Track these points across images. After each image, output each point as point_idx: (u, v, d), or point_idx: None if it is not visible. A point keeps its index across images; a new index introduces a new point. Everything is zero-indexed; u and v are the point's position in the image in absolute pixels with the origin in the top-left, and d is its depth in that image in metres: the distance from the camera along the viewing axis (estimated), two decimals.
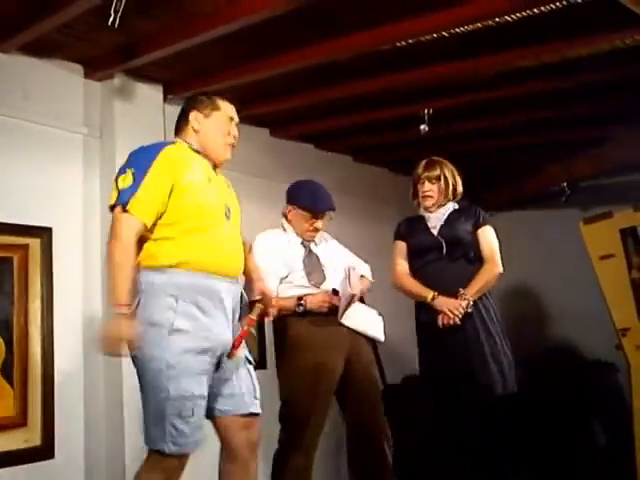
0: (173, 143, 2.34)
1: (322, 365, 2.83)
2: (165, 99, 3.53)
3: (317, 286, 2.94)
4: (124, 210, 2.12)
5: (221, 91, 3.42)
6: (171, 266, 2.14)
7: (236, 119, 2.43)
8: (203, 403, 2.13)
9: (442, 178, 3.17)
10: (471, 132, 4.33)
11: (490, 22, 2.72)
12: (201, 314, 2.14)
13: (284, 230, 3.08)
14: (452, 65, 3.22)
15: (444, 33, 2.84)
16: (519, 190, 5.29)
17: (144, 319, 2.09)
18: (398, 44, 2.94)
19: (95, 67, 3.26)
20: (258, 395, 2.36)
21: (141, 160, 2.19)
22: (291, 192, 3.11)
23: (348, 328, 2.94)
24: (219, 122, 2.36)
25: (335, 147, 4.67)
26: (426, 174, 3.19)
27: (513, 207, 5.40)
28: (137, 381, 2.17)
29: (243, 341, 2.30)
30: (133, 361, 2.17)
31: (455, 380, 2.97)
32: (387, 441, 2.97)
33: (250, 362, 2.38)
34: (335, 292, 2.94)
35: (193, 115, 2.36)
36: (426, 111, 3.76)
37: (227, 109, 2.40)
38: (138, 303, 2.11)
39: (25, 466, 2.87)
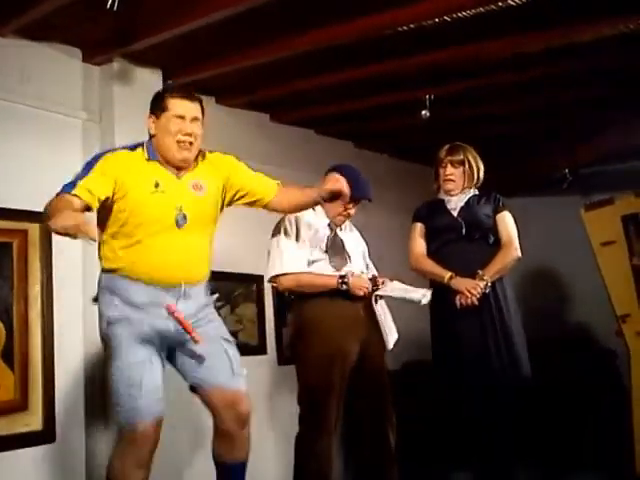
0: (125, 148, 2.40)
1: (338, 348, 2.82)
2: (164, 84, 3.50)
3: (338, 269, 2.92)
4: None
5: (221, 76, 3.44)
6: (111, 270, 2.34)
7: (189, 116, 2.34)
8: (152, 367, 2.24)
9: (466, 163, 3.19)
10: (472, 118, 4.30)
11: (493, 6, 2.69)
12: (136, 310, 2.29)
13: (313, 210, 3.07)
14: (455, 50, 3.20)
15: (446, 18, 2.81)
16: (521, 177, 5.27)
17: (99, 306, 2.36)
18: (400, 29, 2.92)
19: (94, 51, 3.24)
20: (237, 370, 2.40)
21: (85, 165, 2.32)
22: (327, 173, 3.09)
23: (365, 315, 2.91)
24: (167, 122, 2.32)
25: (336, 132, 4.64)
26: (449, 158, 3.21)
27: (514, 194, 5.38)
28: None
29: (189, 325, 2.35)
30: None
31: (468, 363, 2.99)
32: (392, 430, 2.98)
33: (227, 340, 2.45)
34: (372, 280, 2.93)
35: (150, 120, 2.38)
36: (428, 97, 3.73)
37: (176, 108, 2.33)
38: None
39: (26, 450, 2.89)
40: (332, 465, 2.89)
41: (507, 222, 3.19)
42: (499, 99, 3.98)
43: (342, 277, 2.85)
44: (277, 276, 2.90)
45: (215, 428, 2.39)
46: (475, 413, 3.03)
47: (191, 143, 2.33)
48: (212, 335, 2.39)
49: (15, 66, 3.04)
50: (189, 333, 2.29)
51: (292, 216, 2.96)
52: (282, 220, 2.97)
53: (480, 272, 3.01)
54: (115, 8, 2.51)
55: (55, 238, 3.08)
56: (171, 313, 2.28)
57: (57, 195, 2.18)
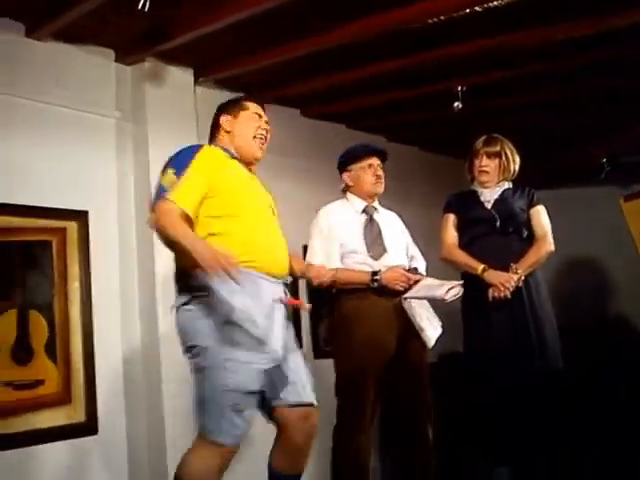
0: (209, 145, 2.43)
1: (375, 339, 2.82)
2: (196, 82, 3.55)
3: (375, 258, 2.92)
4: (164, 200, 2.15)
5: (252, 72, 3.46)
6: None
7: (264, 116, 2.50)
8: (255, 400, 2.17)
9: (502, 155, 3.17)
10: (505, 109, 4.25)
11: None
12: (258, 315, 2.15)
13: (347, 200, 3.09)
14: (486, 41, 3.16)
15: (477, 8, 2.78)
16: (556, 168, 5.19)
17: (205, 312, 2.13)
18: (430, 21, 2.90)
19: (126, 51, 3.29)
20: (311, 386, 2.37)
21: (180, 159, 2.25)
22: (340, 160, 3.13)
23: (402, 309, 2.89)
24: (247, 119, 2.45)
25: (367, 126, 4.63)
26: (485, 149, 3.19)
27: (550, 185, 5.30)
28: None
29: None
30: (189, 350, 2.20)
31: (499, 357, 2.97)
32: (430, 425, 2.98)
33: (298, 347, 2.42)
34: (411, 271, 2.93)
35: (223, 119, 2.47)
36: (459, 88, 3.70)
37: (254, 107, 2.49)
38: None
39: (70, 441, 2.97)
40: (369, 458, 2.90)
41: (541, 216, 3.16)
42: (532, 89, 3.92)
43: (374, 274, 2.85)
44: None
45: (280, 442, 2.32)
46: (507, 407, 3.01)
47: (264, 142, 2.45)
48: (293, 345, 2.36)
49: (50, 69, 3.11)
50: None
51: (327, 211, 2.97)
52: (317, 217, 2.99)
53: (514, 266, 2.99)
54: (146, 9, 2.55)
55: (92, 235, 3.17)
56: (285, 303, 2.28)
57: (163, 200, 2.14)
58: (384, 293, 2.85)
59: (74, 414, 3.01)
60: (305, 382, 2.33)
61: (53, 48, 3.11)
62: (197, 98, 3.52)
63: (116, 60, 3.36)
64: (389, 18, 2.87)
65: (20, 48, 3.01)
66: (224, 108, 2.50)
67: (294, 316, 4.03)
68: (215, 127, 2.50)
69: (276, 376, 2.22)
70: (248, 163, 2.44)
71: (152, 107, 3.30)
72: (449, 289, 2.80)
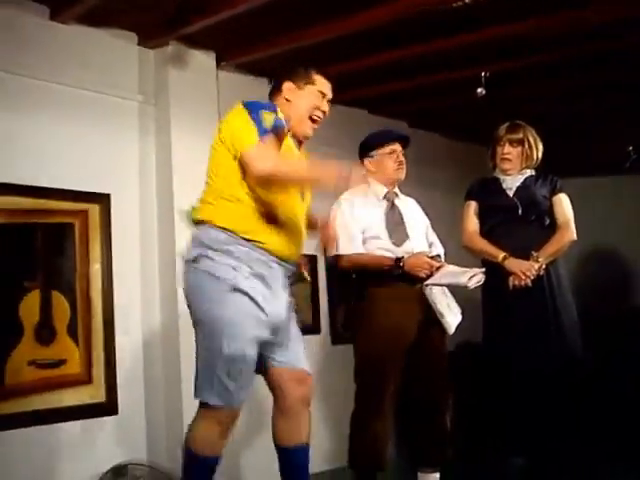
0: (264, 108, 2.26)
1: (395, 324, 2.82)
2: (218, 66, 3.55)
3: (398, 245, 2.92)
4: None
5: (274, 57, 3.45)
6: (236, 233, 2.13)
7: (329, 95, 2.41)
8: (252, 367, 2.17)
9: (525, 142, 3.14)
10: (530, 96, 4.19)
11: None
12: (261, 283, 2.16)
13: (368, 186, 3.07)
14: (511, 26, 3.11)
15: None
16: (581, 156, 5.11)
17: (207, 271, 2.11)
18: (454, 4, 2.86)
19: (149, 35, 3.30)
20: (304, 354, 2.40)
21: (268, 105, 2.23)
22: (362, 146, 3.12)
23: (423, 296, 2.89)
24: (310, 95, 2.36)
25: (389, 112, 4.60)
26: (508, 136, 3.16)
27: (574, 174, 5.23)
28: (194, 338, 2.22)
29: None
30: (189, 309, 2.20)
31: (518, 345, 2.96)
32: (448, 413, 2.98)
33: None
34: (434, 258, 2.92)
35: (287, 85, 2.37)
36: (483, 74, 3.65)
37: (320, 84, 2.39)
38: (204, 256, 2.12)
39: (91, 420, 3.03)
40: (387, 445, 2.90)
41: (564, 204, 3.13)
42: (557, 76, 3.85)
43: (398, 260, 2.85)
44: (337, 257, 2.92)
45: (277, 408, 2.33)
46: (526, 396, 2.99)
47: (318, 122, 2.38)
48: (292, 317, 2.39)
49: (75, 52, 3.14)
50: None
51: (349, 197, 2.96)
52: (339, 202, 2.97)
53: (535, 254, 2.96)
54: None
55: (114, 218, 3.20)
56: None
57: (263, 142, 2.10)
58: (406, 279, 2.85)
59: (95, 394, 3.06)
60: (301, 353, 2.34)
61: (77, 31, 3.13)
62: (219, 82, 3.52)
63: (139, 43, 3.37)
64: (414, 1, 2.83)
65: (44, 31, 3.03)
66: (291, 74, 2.39)
67: (312, 300, 4.06)
68: (276, 90, 2.40)
69: (274, 340, 2.23)
70: (298, 139, 2.38)
71: (174, 90, 3.31)
72: (472, 276, 2.79)
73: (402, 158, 3.05)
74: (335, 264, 3.01)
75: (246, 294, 2.10)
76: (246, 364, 2.12)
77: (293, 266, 2.31)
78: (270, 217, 2.18)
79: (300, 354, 2.34)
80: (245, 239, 2.13)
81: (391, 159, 3.02)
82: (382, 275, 2.87)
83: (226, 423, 2.15)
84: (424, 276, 2.84)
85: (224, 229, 2.13)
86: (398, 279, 2.85)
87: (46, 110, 3.02)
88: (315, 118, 2.37)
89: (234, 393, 2.12)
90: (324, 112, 2.38)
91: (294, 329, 2.36)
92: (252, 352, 2.13)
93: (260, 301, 2.12)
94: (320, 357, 3.98)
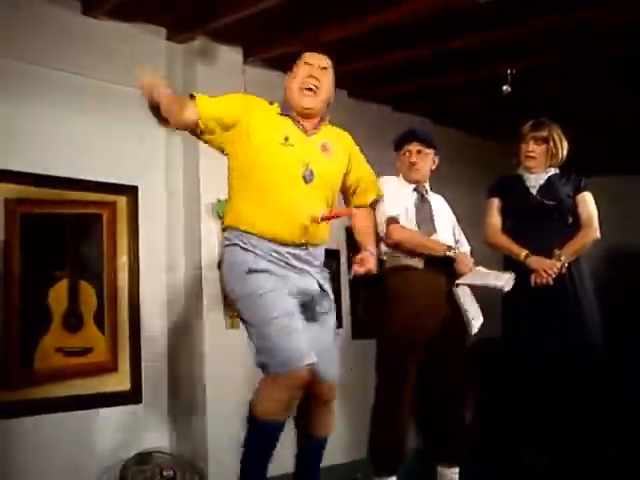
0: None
1: (418, 321, 2.82)
2: (245, 61, 3.58)
3: (425, 236, 2.91)
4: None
5: (299, 52, 3.46)
6: (239, 227, 2.26)
7: (314, 63, 2.38)
8: (297, 320, 2.19)
9: (550, 140, 3.12)
10: (555, 94, 4.15)
11: None
12: (275, 266, 2.24)
13: (397, 180, 3.08)
14: (536, 23, 3.10)
15: None
16: (607, 155, 5.06)
17: (227, 260, 2.27)
18: (481, 1, 2.86)
19: (177, 30, 3.35)
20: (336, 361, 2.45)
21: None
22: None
23: (448, 293, 2.89)
24: (298, 70, 2.39)
25: (414, 109, 4.60)
26: (532, 134, 3.14)
27: (600, 173, 5.19)
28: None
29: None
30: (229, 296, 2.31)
31: (539, 343, 2.95)
32: (467, 408, 2.98)
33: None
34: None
35: (286, 78, 2.44)
36: (509, 71, 3.63)
37: (305, 57, 2.41)
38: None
39: (116, 408, 3.09)
40: (407, 437, 2.92)
41: (587, 203, 3.10)
42: (584, 74, 3.82)
43: (449, 248, 2.86)
44: (391, 221, 2.88)
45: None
46: (543, 393, 2.99)
47: (314, 88, 2.34)
48: (331, 326, 2.43)
49: (104, 46, 3.19)
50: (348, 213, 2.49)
51: (389, 178, 2.97)
52: (383, 179, 2.92)
53: (557, 252, 2.94)
54: None
55: (141, 210, 3.25)
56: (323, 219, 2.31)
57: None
58: (435, 273, 2.86)
59: (120, 382, 3.12)
60: (332, 362, 2.40)
61: (107, 26, 3.19)
62: (246, 76, 3.56)
63: (167, 38, 3.42)
64: None
65: (75, 26, 3.10)
66: (291, 65, 2.44)
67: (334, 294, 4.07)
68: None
69: (303, 312, 2.27)
70: (305, 116, 2.35)
71: (202, 85, 3.32)
72: (506, 279, 2.83)
73: (414, 158, 3.00)
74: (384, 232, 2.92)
75: (264, 271, 2.20)
76: (289, 316, 2.16)
77: (303, 249, 2.30)
78: (259, 204, 2.25)
79: (328, 364, 2.33)
80: (245, 232, 2.24)
81: (404, 160, 3.01)
82: (409, 268, 2.86)
83: (295, 387, 2.15)
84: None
85: (233, 227, 2.29)
86: (427, 272, 2.84)
87: (77, 103, 3.08)
88: (309, 86, 2.33)
89: (294, 353, 2.11)
90: (316, 77, 2.35)
91: (327, 327, 2.38)
92: (289, 304, 2.19)
93: (278, 275, 2.22)
94: (341, 352, 3.98)
